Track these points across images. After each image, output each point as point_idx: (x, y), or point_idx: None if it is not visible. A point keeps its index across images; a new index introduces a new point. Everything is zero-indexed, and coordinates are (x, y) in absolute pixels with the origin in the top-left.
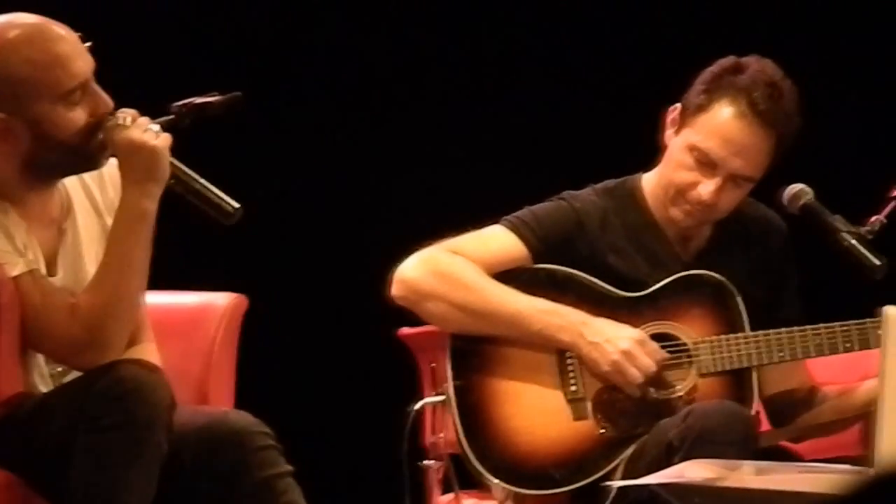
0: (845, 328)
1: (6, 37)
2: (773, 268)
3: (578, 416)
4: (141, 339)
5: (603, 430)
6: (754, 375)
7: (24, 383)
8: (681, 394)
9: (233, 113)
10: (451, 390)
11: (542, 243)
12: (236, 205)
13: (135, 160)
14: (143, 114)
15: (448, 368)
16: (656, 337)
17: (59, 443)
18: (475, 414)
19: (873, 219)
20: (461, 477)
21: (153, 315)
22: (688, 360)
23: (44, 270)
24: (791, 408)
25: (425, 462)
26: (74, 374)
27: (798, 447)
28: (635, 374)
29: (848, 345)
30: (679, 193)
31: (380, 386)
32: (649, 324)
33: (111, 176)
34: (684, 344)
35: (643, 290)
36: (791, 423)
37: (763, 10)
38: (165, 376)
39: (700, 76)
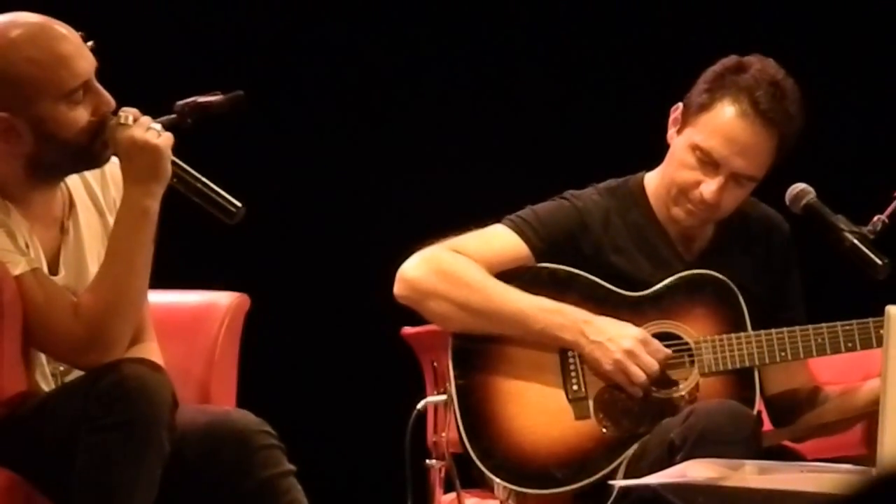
0: (847, 327)
1: (8, 36)
2: (776, 267)
3: (580, 415)
4: (143, 339)
5: (605, 430)
6: (757, 375)
7: (26, 383)
8: (683, 393)
9: (235, 112)
10: (453, 389)
11: (545, 242)
12: (239, 204)
13: (137, 159)
14: (145, 113)
15: (450, 367)
16: (659, 336)
17: (61, 442)
18: (477, 413)
19: (876, 218)
20: (464, 476)
21: (155, 314)
22: (690, 359)
23: (46, 270)
24: (793, 407)
25: (428, 461)
26: (77, 374)
27: (800, 447)
28: (638, 374)
29: (850, 344)
30: (681, 193)
31: (382, 385)
32: (652, 323)
33: (113, 175)
34: (687, 343)
35: (646, 289)
36: (793, 422)
37: (765, 9)
38: (168, 375)
39: (703, 75)
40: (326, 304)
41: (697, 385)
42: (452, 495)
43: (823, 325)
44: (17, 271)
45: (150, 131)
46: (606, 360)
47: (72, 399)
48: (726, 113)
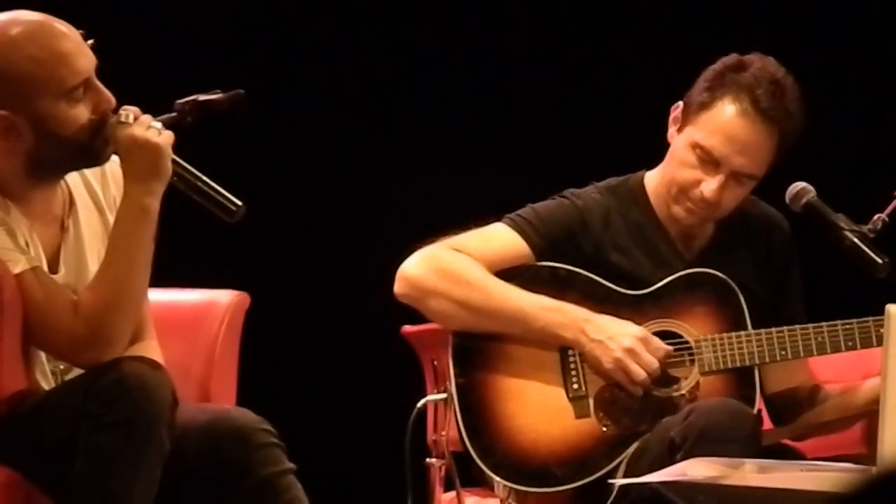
0: (848, 326)
1: (9, 34)
2: (776, 266)
3: (580, 413)
4: (143, 337)
5: (605, 428)
6: (757, 373)
7: (26, 381)
8: (683, 392)
9: (235, 110)
10: (453, 388)
11: (545, 241)
12: (239, 202)
13: (137, 157)
14: (145, 111)
15: (450, 366)
16: (659, 335)
17: (61, 440)
18: (477, 411)
19: (876, 217)
20: (464, 475)
21: (155, 312)
22: (690, 358)
23: (46, 268)
24: (794, 406)
25: (428, 460)
26: (77, 372)
27: (800, 445)
28: (638, 372)
29: (850, 343)
30: (682, 191)
31: (382, 383)
32: (652, 322)
33: (113, 173)
34: (687, 342)
35: (646, 288)
36: (793, 421)
37: (766, 8)
38: (168, 374)
39: (703, 74)
40: (326, 302)
41: (697, 383)
42: (452, 494)
43: (824, 323)
44: (17, 269)
45: (151, 130)
46: (607, 358)
47: (72, 397)
48: (727, 111)
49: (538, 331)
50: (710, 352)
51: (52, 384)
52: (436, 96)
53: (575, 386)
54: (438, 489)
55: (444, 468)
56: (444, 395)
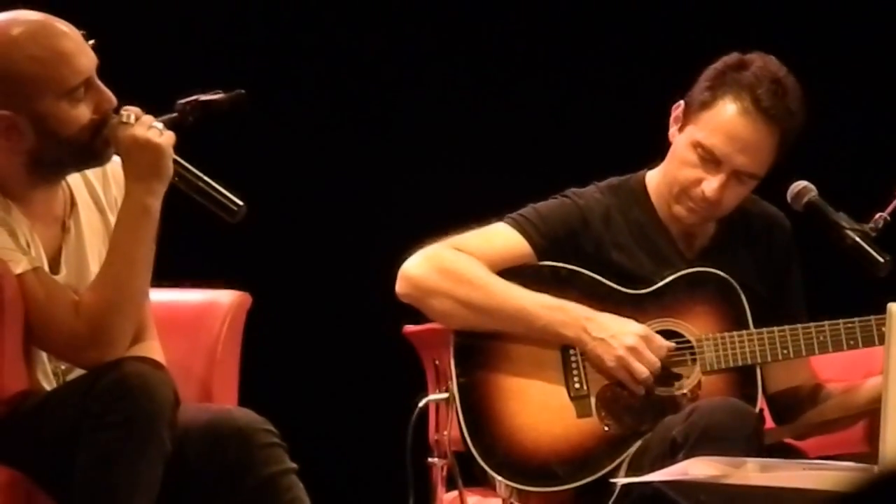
0: (849, 325)
1: (10, 34)
2: (777, 265)
3: (582, 412)
4: (145, 337)
5: (607, 427)
6: (759, 372)
7: (28, 381)
8: (685, 391)
9: (236, 110)
10: (454, 387)
11: (546, 240)
12: (240, 202)
13: (138, 158)
14: (146, 111)
15: (452, 365)
16: (660, 334)
17: (63, 440)
18: (479, 411)
19: (877, 216)
20: (465, 474)
21: (157, 312)
22: (692, 357)
23: (47, 268)
24: (795, 405)
25: (429, 459)
26: (78, 372)
27: (802, 444)
28: (640, 371)
29: (852, 342)
30: (683, 190)
31: (384, 383)
32: (653, 321)
33: (115, 173)
34: (688, 341)
35: (647, 287)
36: (795, 420)
37: (766, 7)
38: (169, 374)
39: (704, 73)
40: (328, 302)
41: (699, 382)
42: (454, 493)
43: (825, 322)
44: (18, 270)
45: (152, 130)
46: (609, 356)
47: (73, 397)
48: (728, 110)
49: (540, 329)
50: (711, 351)
51: (54, 384)
52: (437, 96)
53: (577, 385)
54: (440, 489)
55: (445, 468)
56: (445, 395)
